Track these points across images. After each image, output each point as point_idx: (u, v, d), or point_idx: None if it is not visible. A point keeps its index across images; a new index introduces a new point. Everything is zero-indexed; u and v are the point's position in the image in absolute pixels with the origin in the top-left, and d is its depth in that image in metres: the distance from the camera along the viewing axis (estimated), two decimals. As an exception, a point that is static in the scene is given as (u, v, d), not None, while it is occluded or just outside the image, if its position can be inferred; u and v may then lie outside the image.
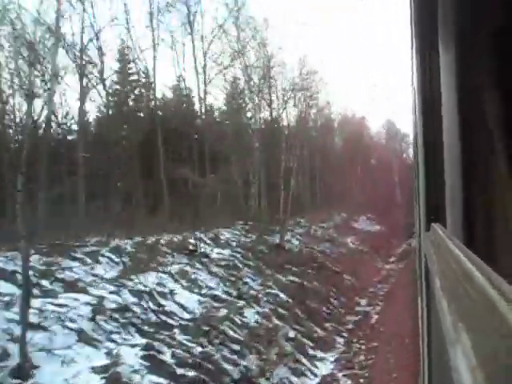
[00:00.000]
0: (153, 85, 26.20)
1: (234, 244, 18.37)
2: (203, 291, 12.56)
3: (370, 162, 50.70)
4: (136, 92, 27.53)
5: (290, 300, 14.01)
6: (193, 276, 13.28)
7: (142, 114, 26.93)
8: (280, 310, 12.90)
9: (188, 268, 13.68)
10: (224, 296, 12.69)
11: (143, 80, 27.19)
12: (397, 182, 48.72)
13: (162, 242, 15.69)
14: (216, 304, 11.86)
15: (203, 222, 19.09)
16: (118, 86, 26.60)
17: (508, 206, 1.16)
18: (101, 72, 21.74)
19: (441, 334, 0.71)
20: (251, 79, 27.30)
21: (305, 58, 32.18)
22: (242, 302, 12.38)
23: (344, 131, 46.30)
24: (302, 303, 14.20)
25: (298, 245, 21.85)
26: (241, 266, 15.68)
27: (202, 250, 15.85)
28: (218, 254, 16.25)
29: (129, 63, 26.02)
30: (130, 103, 27.17)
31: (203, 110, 27.81)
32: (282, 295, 14.01)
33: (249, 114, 30.17)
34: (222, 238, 18.65)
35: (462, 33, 1.22)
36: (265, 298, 13.32)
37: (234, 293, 13.17)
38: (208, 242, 17.27)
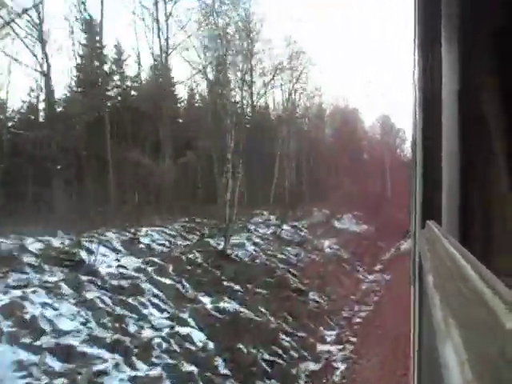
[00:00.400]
0: (124, 61, 23.51)
1: (157, 250, 13.25)
2: (41, 341, 7.11)
3: (362, 156, 48.09)
4: (105, 68, 23.76)
5: (211, 345, 8.68)
6: (36, 310, 7.67)
7: (112, 94, 23.88)
8: (182, 369, 7.75)
9: (33, 296, 8.03)
10: (83, 348, 7.35)
11: (115, 56, 23.94)
12: (389, 178, 46.20)
13: (39, 246, 10.51)
14: (56, 367, 6.70)
15: (130, 216, 15.19)
16: (83, 61, 22.90)
17: (506, 205, 1.17)
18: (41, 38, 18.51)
19: (432, 332, 0.72)
20: (228, 50, 23.31)
21: (291, 37, 29.95)
22: (115, 358, 7.40)
23: (336, 121, 43.32)
24: (230, 349, 8.83)
25: (251, 251, 16.26)
26: (146, 287, 10.13)
27: (89, 260, 10.55)
28: (115, 267, 10.89)
29: (96, 36, 22.41)
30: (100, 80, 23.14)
31: (183, 94, 25.89)
32: (197, 337, 8.81)
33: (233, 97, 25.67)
34: (142, 241, 13.54)
35: (463, 32, 1.22)
36: (163, 346, 8.15)
37: (108, 339, 7.85)
38: (113, 246, 12.27)
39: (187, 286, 11.07)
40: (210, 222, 18.16)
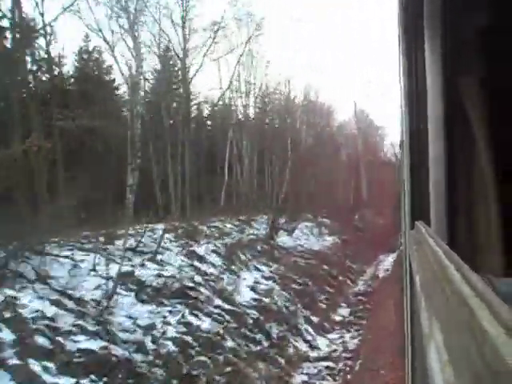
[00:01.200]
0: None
1: None
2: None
3: (335, 155, 40.15)
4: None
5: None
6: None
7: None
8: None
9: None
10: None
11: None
12: (364, 178, 40.49)
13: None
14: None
15: None
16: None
17: (490, 204, 1.17)
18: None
19: (420, 332, 0.72)
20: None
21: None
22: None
23: (308, 113, 36.10)
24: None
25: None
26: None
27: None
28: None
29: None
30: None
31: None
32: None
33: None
34: None
35: (447, 33, 1.23)
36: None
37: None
38: None
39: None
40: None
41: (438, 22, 1.27)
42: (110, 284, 8.19)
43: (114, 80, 21.63)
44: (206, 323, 8.65)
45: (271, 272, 13.41)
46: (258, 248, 15.18)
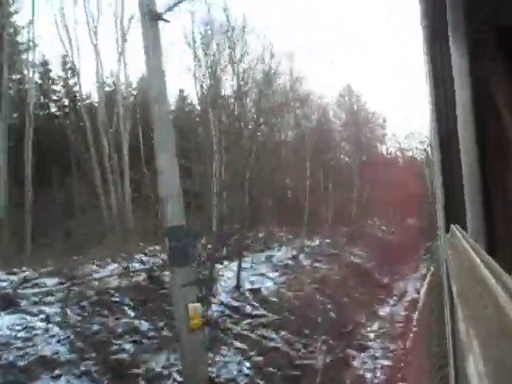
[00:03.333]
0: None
1: None
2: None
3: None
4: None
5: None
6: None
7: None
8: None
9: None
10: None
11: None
12: (357, 181, 31.34)
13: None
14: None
15: None
16: None
17: None
18: None
19: (459, 342, 0.71)
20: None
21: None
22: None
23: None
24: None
25: None
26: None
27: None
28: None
29: None
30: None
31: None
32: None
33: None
34: None
35: (470, 30, 1.21)
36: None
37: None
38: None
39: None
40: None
41: (461, 21, 1.25)
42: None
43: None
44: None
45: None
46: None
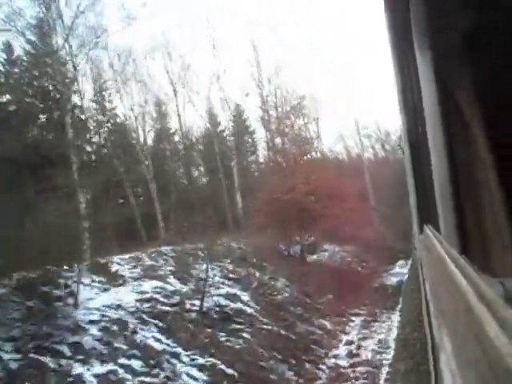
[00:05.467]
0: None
1: None
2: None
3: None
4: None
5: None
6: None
7: None
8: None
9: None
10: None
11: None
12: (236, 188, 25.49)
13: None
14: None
15: None
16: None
17: (497, 204, 1.17)
18: None
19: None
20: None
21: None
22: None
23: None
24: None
25: None
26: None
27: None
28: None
29: None
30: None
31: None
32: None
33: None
34: None
35: (434, 36, 1.25)
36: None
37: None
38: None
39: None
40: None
41: (425, 27, 1.29)
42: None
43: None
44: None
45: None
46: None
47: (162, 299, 10.64)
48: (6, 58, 17.85)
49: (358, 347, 10.94)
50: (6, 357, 7.21)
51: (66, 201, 12.63)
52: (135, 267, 12.35)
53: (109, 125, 22.20)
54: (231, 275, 13.70)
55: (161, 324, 9.50)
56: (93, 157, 20.83)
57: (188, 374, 8.17)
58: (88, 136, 20.45)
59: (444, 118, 1.30)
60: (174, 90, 25.32)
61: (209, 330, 9.92)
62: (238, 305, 11.59)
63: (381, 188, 27.78)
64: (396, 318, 12.59)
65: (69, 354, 7.73)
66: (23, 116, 16.47)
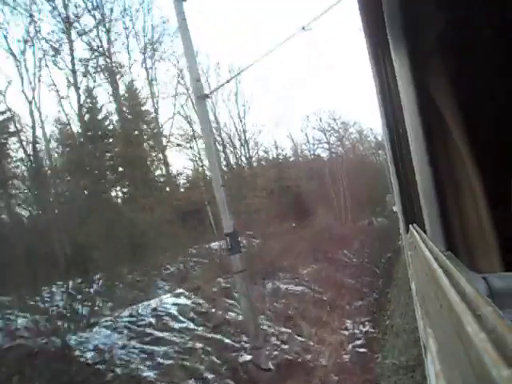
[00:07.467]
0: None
1: None
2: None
3: None
4: None
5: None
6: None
7: None
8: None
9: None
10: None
11: None
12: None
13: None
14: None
15: None
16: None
17: (479, 202, 1.18)
18: None
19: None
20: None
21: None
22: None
23: None
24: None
25: None
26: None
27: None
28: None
29: None
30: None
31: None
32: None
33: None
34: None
35: (410, 40, 1.26)
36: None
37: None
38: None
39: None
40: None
41: (400, 32, 1.30)
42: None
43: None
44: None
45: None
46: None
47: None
48: None
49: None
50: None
51: None
52: None
53: None
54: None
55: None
56: None
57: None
58: None
59: (423, 117, 1.32)
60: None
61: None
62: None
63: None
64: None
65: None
66: None
